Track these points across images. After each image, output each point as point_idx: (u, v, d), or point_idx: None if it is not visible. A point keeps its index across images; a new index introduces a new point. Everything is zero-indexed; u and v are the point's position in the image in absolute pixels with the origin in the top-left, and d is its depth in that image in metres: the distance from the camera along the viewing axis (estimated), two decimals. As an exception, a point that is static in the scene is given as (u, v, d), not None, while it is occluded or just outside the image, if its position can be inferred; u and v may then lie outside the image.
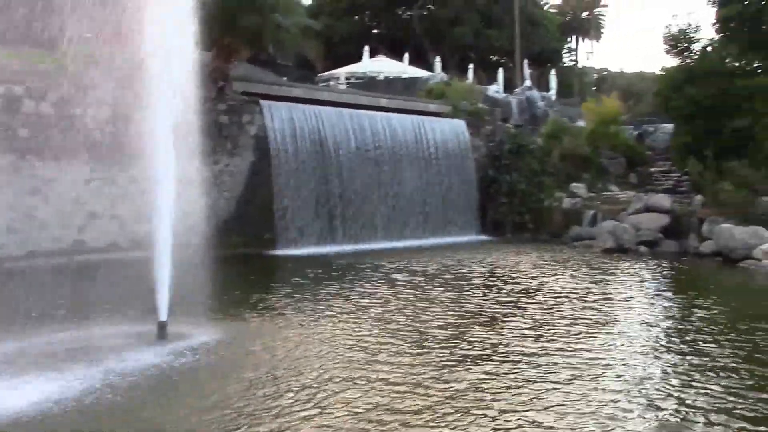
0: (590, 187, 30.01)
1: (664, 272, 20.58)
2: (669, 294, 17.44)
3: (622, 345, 11.56)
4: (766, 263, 21.01)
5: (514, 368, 9.96)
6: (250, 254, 22.10)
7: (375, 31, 61.24)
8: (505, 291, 16.57)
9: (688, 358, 10.75)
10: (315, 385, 8.97)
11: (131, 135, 11.86)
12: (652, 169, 32.38)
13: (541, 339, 11.72)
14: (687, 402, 8.69)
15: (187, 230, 11.45)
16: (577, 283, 17.67)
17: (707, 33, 44.60)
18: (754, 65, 27.80)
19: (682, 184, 29.75)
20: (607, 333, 12.51)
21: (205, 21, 12.64)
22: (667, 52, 29.43)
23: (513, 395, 8.80)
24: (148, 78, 10.85)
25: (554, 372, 9.78)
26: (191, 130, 11.41)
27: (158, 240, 10.97)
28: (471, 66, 45.49)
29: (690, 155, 27.05)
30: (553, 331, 12.35)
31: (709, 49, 28.83)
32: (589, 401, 8.63)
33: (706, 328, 12.86)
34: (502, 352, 10.84)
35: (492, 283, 17.70)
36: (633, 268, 21.01)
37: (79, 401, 8.21)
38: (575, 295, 15.96)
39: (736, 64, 28.46)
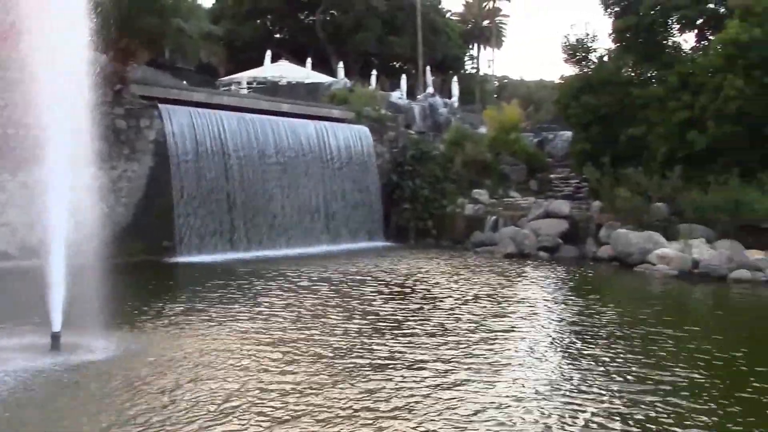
0: (492, 194, 30.50)
1: (564, 277, 21.12)
2: (568, 299, 17.89)
3: (520, 350, 11.83)
4: (660, 267, 21.82)
5: (415, 375, 10.07)
6: (149, 262, 21.56)
7: (277, 35, 60.84)
8: (408, 298, 16.69)
9: (582, 361, 11.08)
10: (211, 400, 8.80)
11: (22, 139, 11.45)
12: (552, 176, 33.15)
13: (442, 346, 11.85)
14: (575, 407, 8.93)
15: (83, 238, 11.10)
16: (479, 289, 17.92)
17: (604, 43, 46.07)
18: (649, 75, 28.87)
19: (580, 190, 30.56)
20: (506, 338, 12.73)
21: (102, 22, 12.32)
22: (566, 61, 30.27)
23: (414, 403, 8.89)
24: (40, 80, 10.50)
25: (451, 377, 9.94)
26: (86, 135, 11.08)
27: (51, 248, 10.61)
28: (374, 72, 45.78)
29: (588, 162, 27.83)
30: (455, 337, 12.51)
31: (605, 59, 29.78)
32: (482, 405, 8.83)
33: (601, 332, 13.28)
34: (406, 360, 10.92)
35: (395, 290, 17.79)
36: (533, 273, 21.50)
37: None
38: (477, 301, 16.20)
39: (632, 74, 29.50)
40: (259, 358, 10.78)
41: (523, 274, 21.13)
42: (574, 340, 12.76)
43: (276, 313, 14.39)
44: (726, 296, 19.21)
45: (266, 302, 15.59)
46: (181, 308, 14.72)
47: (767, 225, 22.36)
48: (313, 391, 9.19)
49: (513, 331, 13.38)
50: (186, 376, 9.71)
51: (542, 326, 13.89)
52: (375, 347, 11.63)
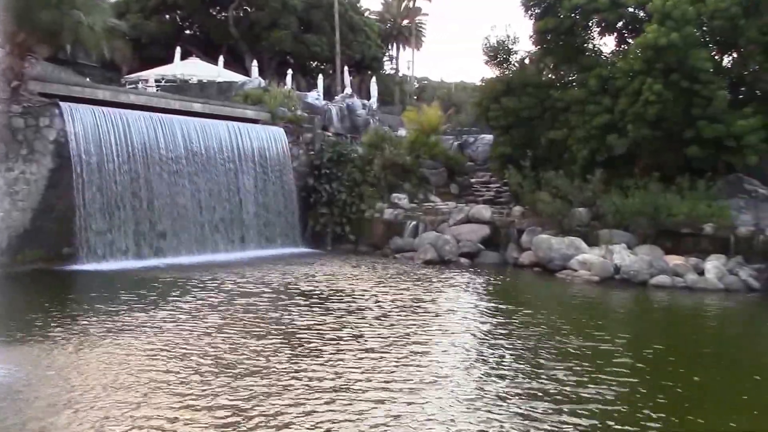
0: (411, 198, 30.52)
1: (485, 285, 21.29)
2: (488, 309, 17.92)
3: (435, 364, 11.81)
4: (582, 273, 22.23)
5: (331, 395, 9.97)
6: (47, 271, 20.93)
7: (188, 31, 59.90)
8: (322, 309, 16.44)
9: (497, 378, 11.09)
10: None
11: None
12: (473, 180, 33.43)
13: (353, 362, 11.74)
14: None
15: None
16: (396, 300, 17.87)
17: (525, 45, 46.83)
18: (569, 78, 29.41)
19: (501, 194, 30.92)
20: (423, 351, 12.70)
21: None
22: (487, 62, 30.59)
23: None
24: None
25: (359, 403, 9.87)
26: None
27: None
28: (290, 71, 45.45)
29: (509, 165, 28.16)
30: (368, 351, 12.44)
31: (526, 61, 30.21)
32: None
33: (519, 346, 13.35)
34: (316, 379, 10.78)
35: (309, 301, 17.51)
36: (453, 281, 21.60)
37: None
38: (393, 313, 16.12)
39: (552, 77, 30.01)
40: (150, 379, 10.41)
41: (443, 283, 21.21)
42: (491, 354, 12.74)
43: (179, 328, 13.98)
44: (645, 303, 19.67)
45: (170, 316, 15.14)
46: (81, 322, 14.23)
47: (686, 230, 23.01)
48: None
49: (428, 343, 13.39)
50: (66, 401, 9.36)
51: (459, 342, 13.74)
52: (282, 366, 11.32)
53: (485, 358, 12.55)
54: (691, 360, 13.24)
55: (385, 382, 10.60)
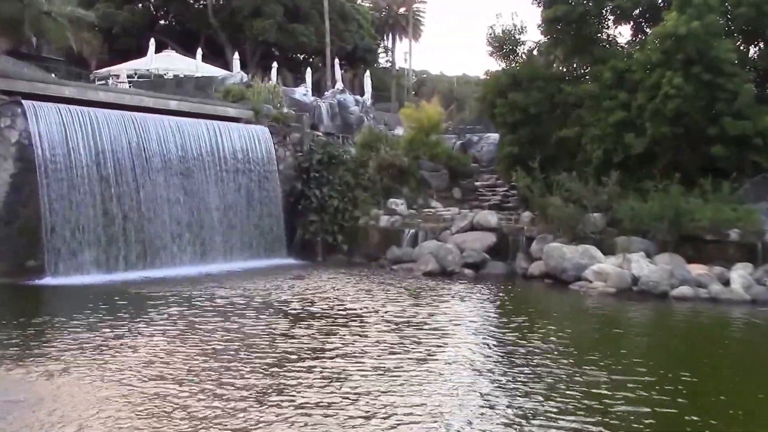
0: (410, 203, 30.49)
1: (491, 300, 21.26)
2: (498, 328, 17.77)
3: (439, 390, 11.71)
4: (597, 285, 22.27)
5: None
6: (9, 285, 21.04)
7: (162, 21, 60.17)
8: (306, 331, 16.22)
9: (505, 406, 10.99)
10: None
11: None
12: (478, 183, 33.40)
13: (347, 388, 11.64)
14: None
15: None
16: (394, 318, 17.76)
17: (534, 35, 46.81)
18: (582, 71, 29.49)
19: (509, 199, 30.94)
20: (426, 376, 12.57)
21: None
22: (492, 54, 30.63)
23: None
24: None
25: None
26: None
27: None
28: (275, 65, 45.62)
29: (517, 167, 28.20)
30: (361, 380, 12.28)
31: (535, 52, 30.27)
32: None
33: (529, 370, 13.20)
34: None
35: (293, 321, 17.36)
36: (457, 295, 21.64)
37: None
38: (392, 334, 16.00)
39: (563, 69, 30.08)
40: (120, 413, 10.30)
41: (446, 298, 21.17)
42: (510, 391, 12.05)
43: (149, 352, 13.83)
44: (669, 318, 19.60)
45: (140, 338, 14.97)
46: (41, 344, 14.24)
47: (710, 237, 23.09)
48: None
49: (432, 367, 13.25)
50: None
51: (462, 365, 13.55)
52: (250, 411, 10.70)
53: (503, 396, 11.70)
54: (737, 389, 12.81)
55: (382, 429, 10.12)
